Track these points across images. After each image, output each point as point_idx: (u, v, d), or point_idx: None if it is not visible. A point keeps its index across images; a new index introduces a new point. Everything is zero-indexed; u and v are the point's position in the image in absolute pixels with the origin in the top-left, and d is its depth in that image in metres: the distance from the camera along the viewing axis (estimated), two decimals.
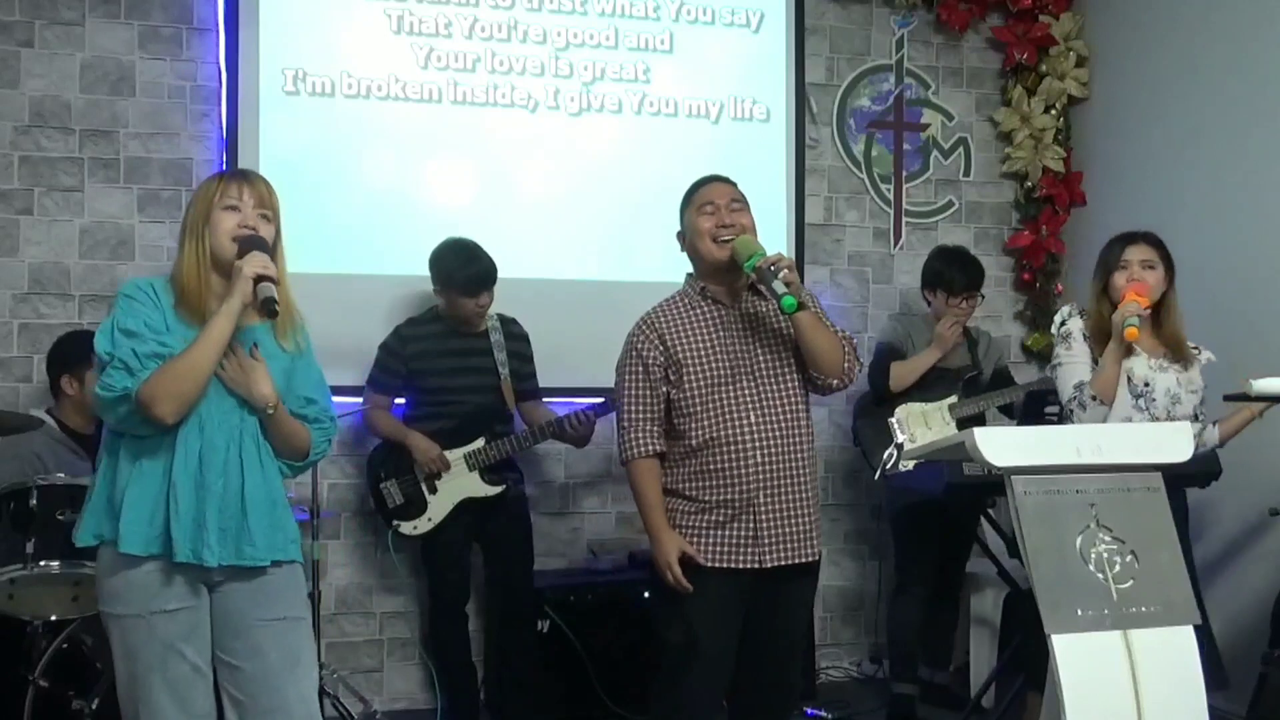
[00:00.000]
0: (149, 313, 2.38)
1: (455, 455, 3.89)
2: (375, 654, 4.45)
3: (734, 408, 2.85)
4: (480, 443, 3.91)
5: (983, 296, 4.41)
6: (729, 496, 2.84)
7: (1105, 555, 2.45)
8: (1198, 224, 4.44)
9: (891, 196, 5.10)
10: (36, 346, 4.11)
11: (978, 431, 2.50)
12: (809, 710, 4.29)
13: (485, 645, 4.33)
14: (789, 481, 2.86)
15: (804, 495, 2.89)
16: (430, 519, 3.89)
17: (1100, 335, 3.24)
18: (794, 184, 4.87)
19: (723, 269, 2.89)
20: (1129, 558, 2.46)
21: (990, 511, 4.23)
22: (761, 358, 2.90)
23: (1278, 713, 3.36)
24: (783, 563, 2.85)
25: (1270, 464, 3.95)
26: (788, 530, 2.86)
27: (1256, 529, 3.97)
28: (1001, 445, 2.49)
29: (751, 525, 2.83)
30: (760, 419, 2.85)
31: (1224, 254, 4.31)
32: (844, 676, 4.87)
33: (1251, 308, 4.15)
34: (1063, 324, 3.32)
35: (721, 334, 2.91)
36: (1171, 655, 2.43)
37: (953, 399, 4.23)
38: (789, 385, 2.91)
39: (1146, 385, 3.20)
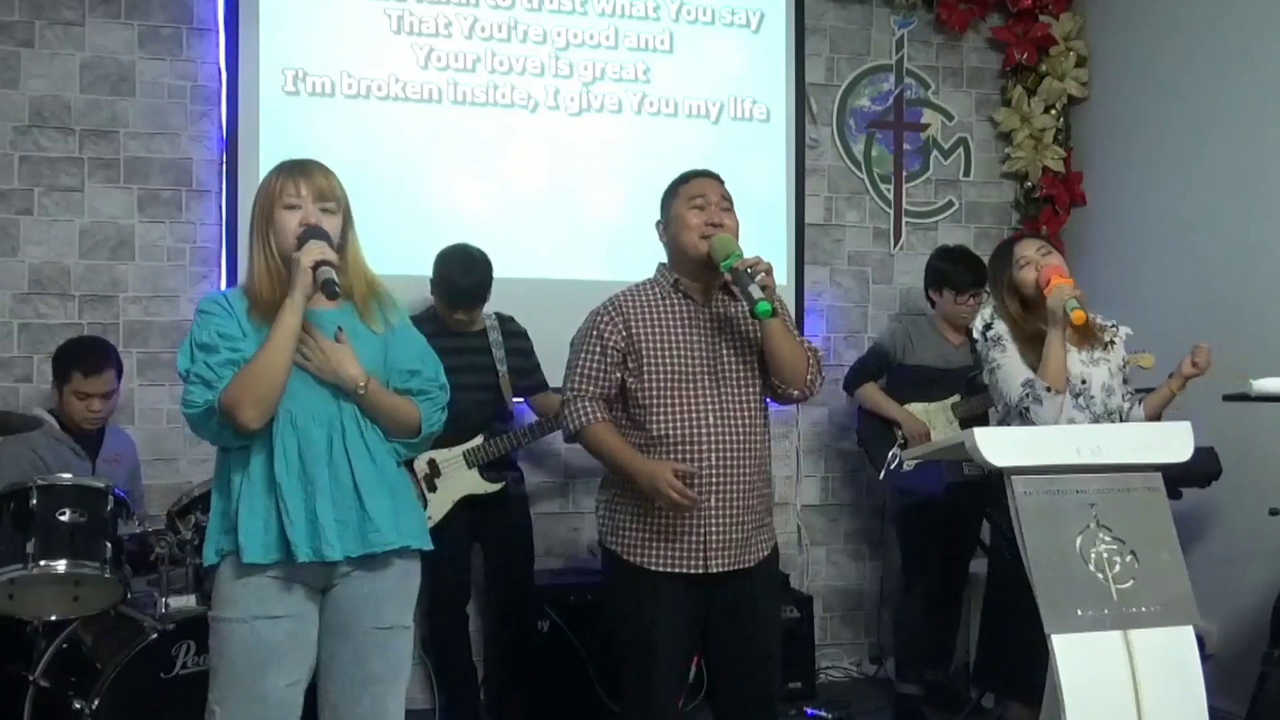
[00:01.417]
0: (222, 323, 2.36)
1: (454, 452, 3.90)
2: None
3: (693, 406, 2.80)
4: (479, 440, 3.91)
5: (987, 294, 4.40)
6: None
7: (1105, 555, 2.45)
8: (1198, 223, 4.44)
9: (891, 196, 5.10)
10: (36, 346, 4.11)
11: (978, 431, 2.51)
12: (809, 710, 4.29)
13: (485, 645, 4.33)
14: (740, 487, 2.81)
15: (752, 501, 2.84)
16: (430, 517, 3.88)
17: (1021, 336, 3.13)
18: (794, 184, 4.87)
19: (701, 265, 2.83)
20: (1129, 558, 2.46)
21: (989, 511, 4.23)
22: (726, 360, 2.85)
23: (1278, 713, 3.36)
24: (728, 568, 2.81)
25: (1270, 464, 3.95)
26: (736, 536, 2.81)
27: (1256, 529, 3.96)
28: (1001, 445, 2.50)
29: (699, 529, 2.78)
30: (718, 420, 2.80)
31: (1224, 253, 4.31)
32: (844, 676, 4.87)
33: (1251, 307, 4.15)
34: (988, 327, 3.18)
35: (688, 330, 2.85)
36: (1171, 655, 2.43)
37: (955, 399, 4.24)
38: (750, 390, 2.86)
39: (1084, 383, 3.10)
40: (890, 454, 4.16)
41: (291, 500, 2.31)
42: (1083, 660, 2.38)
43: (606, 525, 2.92)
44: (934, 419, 4.23)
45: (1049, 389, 3.03)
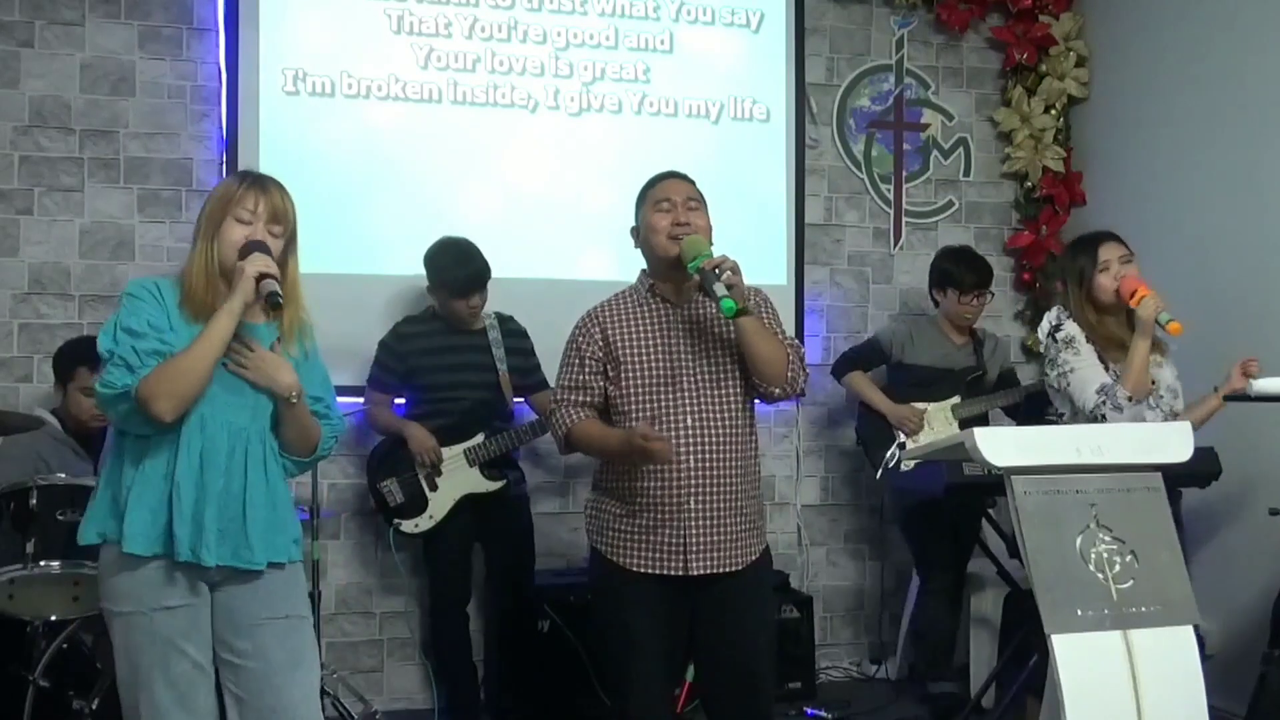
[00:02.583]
0: (152, 311, 2.39)
1: (455, 451, 3.90)
2: (375, 654, 4.45)
3: (671, 411, 2.79)
4: (480, 438, 3.92)
5: (991, 294, 4.41)
6: (659, 499, 2.78)
7: (1105, 555, 2.45)
8: (1198, 223, 4.44)
9: (891, 196, 5.10)
10: (36, 346, 4.11)
11: (978, 431, 2.50)
12: (809, 710, 4.29)
13: (485, 645, 4.33)
14: (722, 488, 2.79)
15: (737, 503, 2.82)
16: (431, 516, 3.90)
17: (1099, 339, 3.18)
18: (794, 184, 4.87)
19: (673, 267, 2.83)
20: (1129, 558, 2.46)
21: (990, 512, 4.23)
22: (703, 361, 2.84)
23: (1278, 713, 3.36)
24: (709, 571, 2.79)
25: (1270, 464, 3.95)
26: (717, 538, 2.79)
27: (1256, 529, 3.96)
28: (1001, 445, 2.50)
29: (680, 531, 2.78)
30: (697, 423, 2.79)
31: (1225, 253, 4.31)
32: (844, 676, 4.87)
33: (1252, 307, 4.15)
34: (1058, 327, 3.22)
35: (665, 334, 2.85)
36: (1171, 655, 2.43)
37: (955, 399, 4.23)
38: (730, 391, 2.84)
39: (1154, 383, 3.18)
40: (890, 452, 4.16)
41: (185, 500, 2.34)
42: (1083, 660, 2.37)
43: (593, 525, 2.93)
44: (934, 419, 4.23)
45: (1130, 397, 3.07)
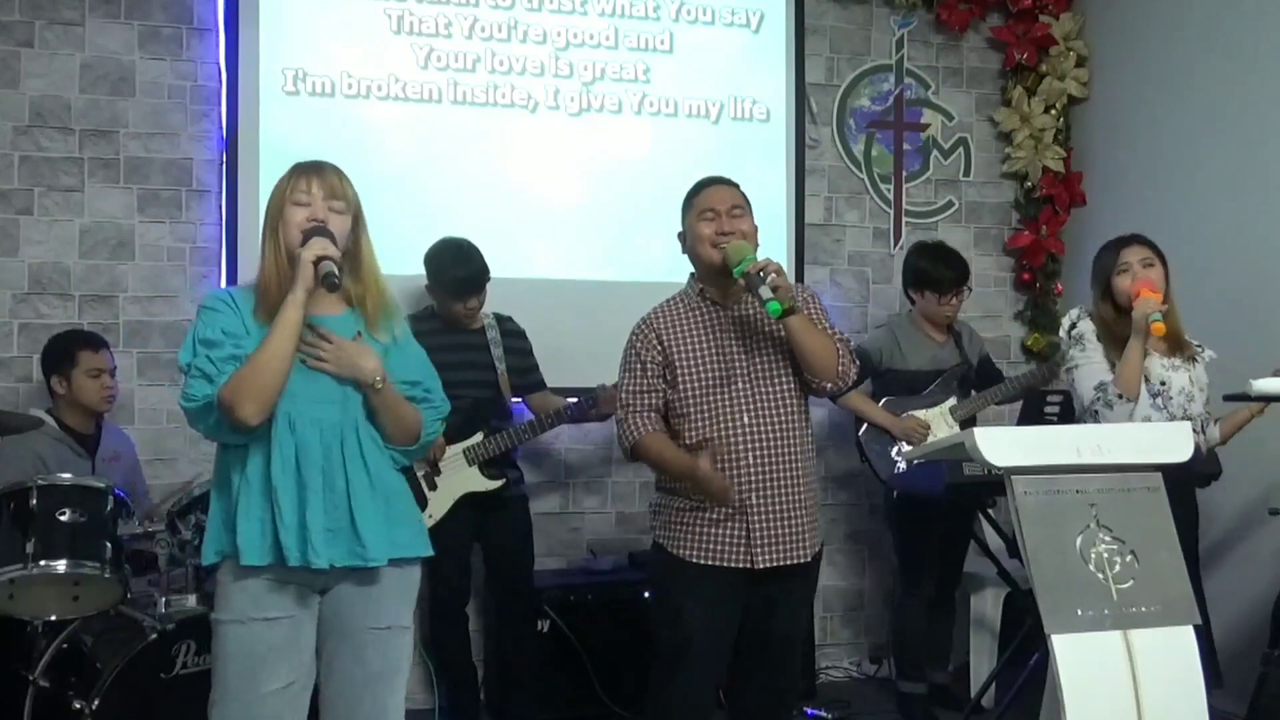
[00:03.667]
0: (226, 320, 2.37)
1: (454, 450, 3.90)
2: None
3: (728, 409, 2.86)
4: (479, 437, 3.92)
5: (969, 290, 4.37)
6: None
7: (1105, 555, 2.45)
8: (1198, 223, 4.44)
9: (891, 196, 5.10)
10: (36, 346, 4.10)
11: (978, 431, 2.51)
12: (809, 710, 4.29)
13: (485, 645, 4.33)
14: (783, 483, 2.86)
15: (798, 497, 2.89)
16: (431, 515, 3.89)
17: (1110, 339, 3.26)
18: (794, 184, 4.87)
19: (719, 273, 2.90)
20: (1129, 558, 2.46)
21: (990, 511, 4.23)
22: (757, 360, 2.90)
23: (1278, 713, 3.36)
24: (775, 564, 2.85)
25: (1270, 464, 3.95)
26: (781, 532, 2.86)
27: (1256, 529, 3.97)
28: (1001, 445, 2.50)
29: (744, 526, 2.84)
30: (754, 420, 2.86)
31: (1225, 253, 4.31)
32: (844, 676, 4.87)
33: (1253, 307, 4.15)
34: (1073, 326, 3.32)
35: (717, 336, 2.92)
36: (1171, 655, 2.43)
37: (952, 401, 4.22)
38: (784, 387, 2.91)
39: (1163, 384, 3.24)
40: (893, 452, 4.15)
41: (285, 504, 2.32)
42: (1083, 660, 2.38)
43: (657, 521, 2.99)
44: (934, 424, 4.20)
45: (1120, 395, 3.16)
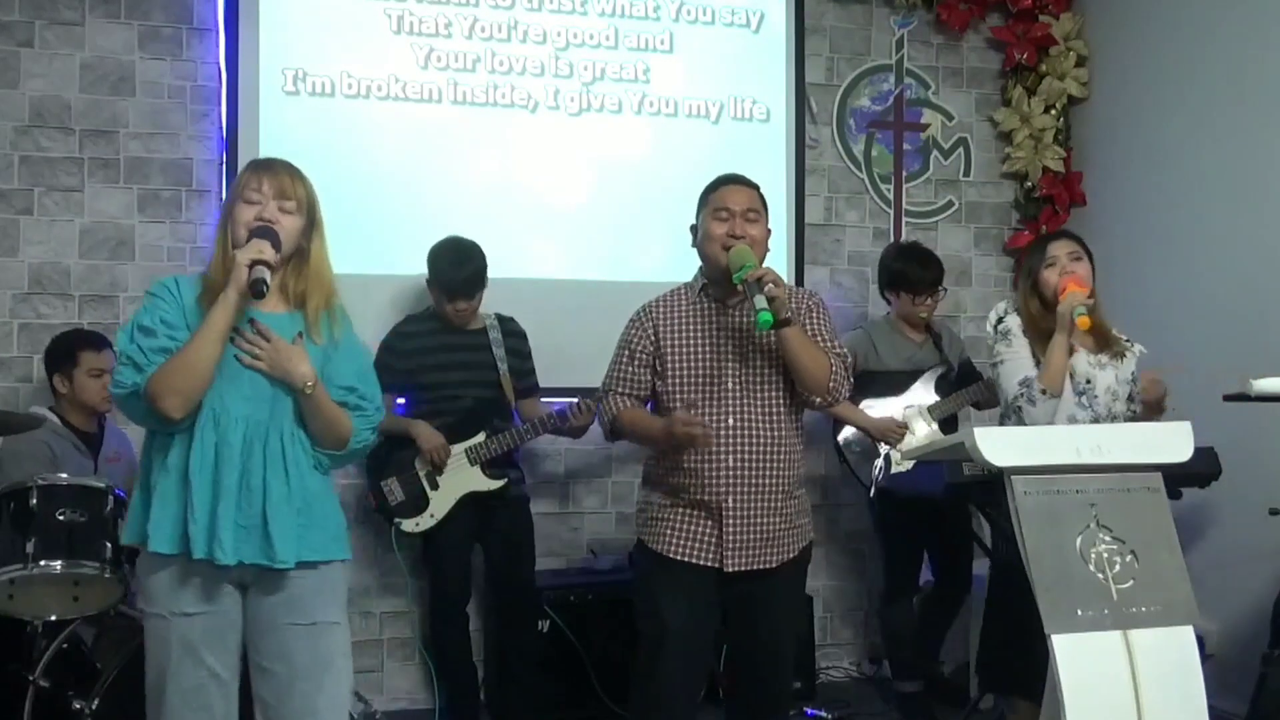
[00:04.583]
0: (166, 308, 2.38)
1: (456, 450, 3.90)
2: (375, 654, 4.45)
3: (714, 409, 2.86)
4: (481, 437, 3.92)
5: (944, 290, 4.36)
6: (700, 496, 2.86)
7: (1105, 555, 2.45)
8: (1198, 223, 4.44)
9: (891, 196, 5.10)
10: (36, 346, 4.10)
11: (977, 431, 2.51)
12: (809, 710, 4.30)
13: (485, 645, 4.33)
14: (761, 490, 2.85)
15: (774, 504, 2.87)
16: (433, 515, 3.90)
17: (1036, 334, 3.19)
18: (794, 184, 4.87)
19: (724, 274, 2.88)
20: (1129, 558, 2.46)
21: (989, 510, 4.22)
22: (749, 365, 2.89)
23: (1278, 713, 3.36)
24: (741, 568, 2.85)
25: (1270, 464, 3.95)
26: (751, 538, 2.85)
27: (1256, 529, 3.96)
28: (1001, 445, 2.50)
29: (717, 528, 2.85)
30: (739, 424, 2.85)
31: (1224, 253, 4.31)
32: (844, 676, 4.87)
33: (1252, 307, 4.15)
34: (1000, 321, 3.25)
35: (713, 335, 2.91)
36: (1171, 655, 2.43)
37: (931, 400, 4.22)
38: (774, 395, 2.89)
39: (1088, 383, 3.17)
40: (876, 464, 4.13)
41: (198, 496, 2.33)
42: (1083, 660, 2.38)
43: (640, 519, 3.01)
44: (912, 423, 4.20)
45: (1044, 390, 3.10)
